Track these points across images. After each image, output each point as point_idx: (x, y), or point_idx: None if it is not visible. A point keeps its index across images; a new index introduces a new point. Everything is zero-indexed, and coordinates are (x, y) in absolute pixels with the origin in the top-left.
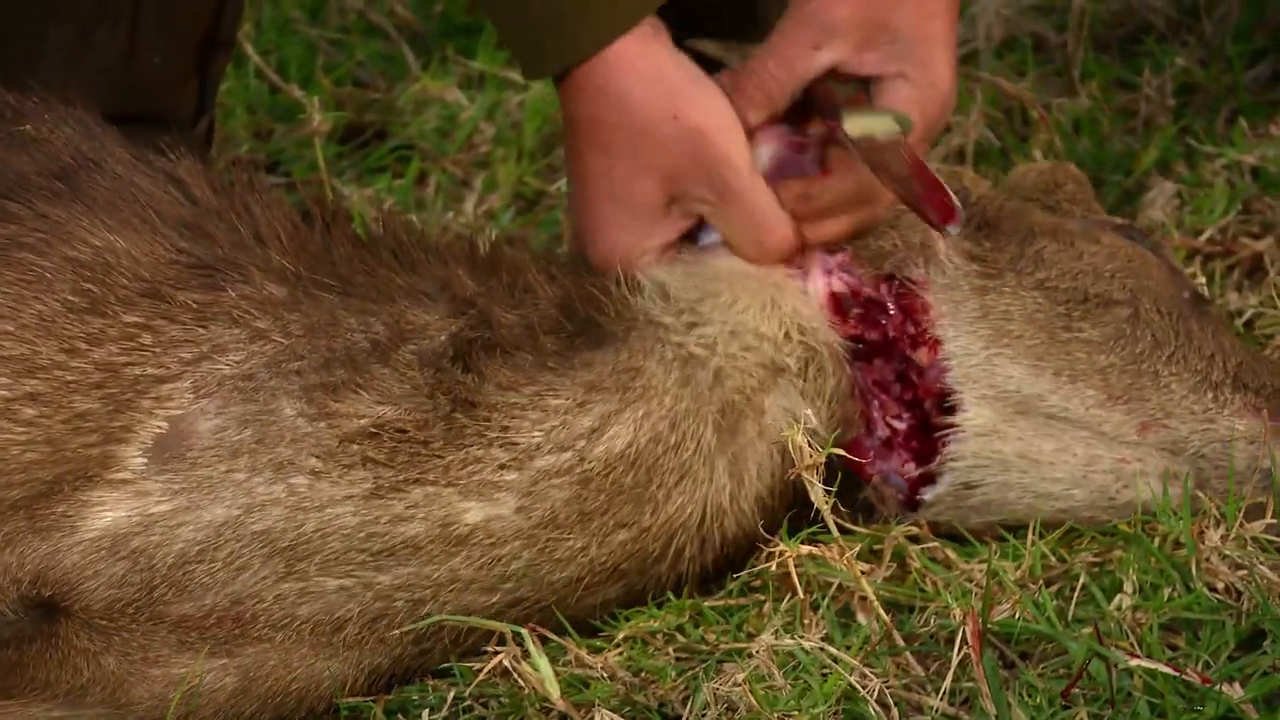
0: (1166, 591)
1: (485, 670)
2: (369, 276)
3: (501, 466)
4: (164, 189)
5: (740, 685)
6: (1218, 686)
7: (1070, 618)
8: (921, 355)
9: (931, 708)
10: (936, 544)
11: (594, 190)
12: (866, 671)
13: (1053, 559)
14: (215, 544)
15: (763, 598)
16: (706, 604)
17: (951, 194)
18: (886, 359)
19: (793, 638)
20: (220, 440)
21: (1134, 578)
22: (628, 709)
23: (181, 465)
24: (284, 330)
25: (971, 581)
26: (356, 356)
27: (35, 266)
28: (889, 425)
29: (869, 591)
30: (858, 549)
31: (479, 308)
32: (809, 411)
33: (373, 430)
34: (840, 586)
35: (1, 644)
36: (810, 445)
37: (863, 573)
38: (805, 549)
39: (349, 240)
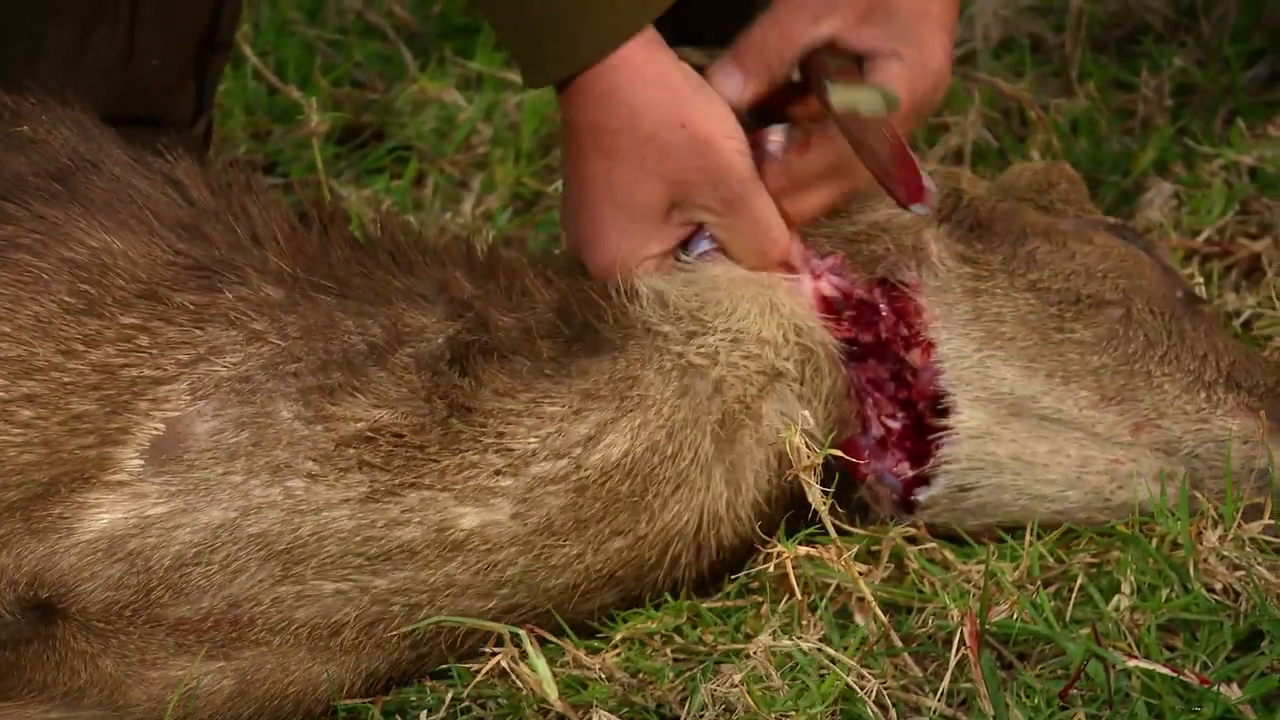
0: (1164, 592)
1: (483, 671)
2: (366, 278)
3: (497, 472)
4: (161, 190)
5: (738, 686)
6: (1216, 687)
7: (1068, 618)
8: (915, 357)
9: (929, 708)
10: (934, 545)
11: (594, 195)
12: (864, 672)
13: (1050, 560)
14: (212, 546)
15: (760, 599)
16: (704, 605)
17: (926, 176)
18: (880, 359)
19: (790, 638)
20: (217, 442)
21: (1132, 578)
22: (625, 710)
23: (178, 467)
24: (281, 332)
25: (969, 582)
26: (353, 359)
27: (32, 267)
28: (884, 424)
29: (867, 592)
30: (855, 550)
31: (476, 310)
32: (806, 413)
33: (369, 434)
34: (838, 587)
35: None
36: (808, 446)
37: (860, 574)
38: (803, 550)
39: (346, 242)
